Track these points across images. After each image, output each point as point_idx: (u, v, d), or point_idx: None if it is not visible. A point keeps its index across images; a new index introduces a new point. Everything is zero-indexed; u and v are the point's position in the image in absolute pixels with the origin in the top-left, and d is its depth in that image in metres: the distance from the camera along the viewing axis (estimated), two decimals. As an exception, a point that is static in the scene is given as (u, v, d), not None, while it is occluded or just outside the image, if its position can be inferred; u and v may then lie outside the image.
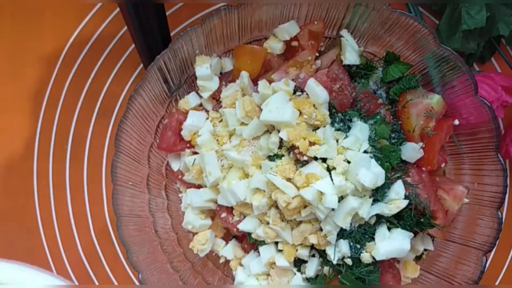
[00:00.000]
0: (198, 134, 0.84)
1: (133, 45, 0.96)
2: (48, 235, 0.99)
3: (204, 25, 0.80)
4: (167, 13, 0.92)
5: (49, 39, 1.01)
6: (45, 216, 0.99)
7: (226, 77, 0.87)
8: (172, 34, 0.94)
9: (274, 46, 0.86)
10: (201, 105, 0.88)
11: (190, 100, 0.87)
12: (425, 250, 0.86)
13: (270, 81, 0.80)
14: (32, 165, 1.00)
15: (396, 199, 0.77)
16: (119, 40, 1.01)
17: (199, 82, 0.84)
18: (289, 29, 0.84)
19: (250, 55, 0.83)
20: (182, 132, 0.85)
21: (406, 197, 0.78)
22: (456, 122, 0.84)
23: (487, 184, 0.82)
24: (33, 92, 1.00)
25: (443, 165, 0.85)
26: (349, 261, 0.79)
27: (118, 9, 0.99)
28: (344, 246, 0.79)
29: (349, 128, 0.80)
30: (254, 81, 0.84)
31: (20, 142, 1.00)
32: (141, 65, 0.98)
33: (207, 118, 0.86)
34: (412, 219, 0.79)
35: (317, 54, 0.85)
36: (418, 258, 0.87)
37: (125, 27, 0.99)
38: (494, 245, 0.80)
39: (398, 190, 0.78)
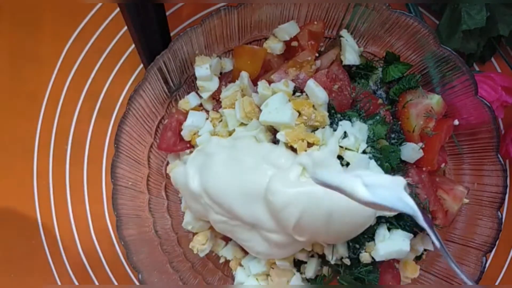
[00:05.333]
0: (198, 134, 0.84)
1: (133, 45, 0.96)
2: (48, 235, 0.99)
3: (203, 25, 0.80)
4: (167, 13, 0.92)
5: (49, 39, 1.01)
6: (45, 216, 0.99)
7: (226, 77, 0.87)
8: (172, 34, 0.94)
9: (274, 46, 0.85)
10: (201, 105, 0.88)
11: (190, 100, 0.86)
12: (425, 250, 0.86)
13: (270, 82, 0.80)
14: (32, 165, 1.00)
15: None
16: (119, 40, 1.01)
17: (198, 83, 0.84)
18: (289, 29, 0.84)
19: (250, 56, 0.83)
20: (182, 132, 0.85)
21: None
22: (456, 122, 0.83)
23: (487, 185, 0.81)
24: (33, 92, 1.00)
25: (443, 165, 0.85)
26: (347, 261, 0.79)
27: (118, 9, 0.99)
28: (341, 247, 0.79)
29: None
30: (254, 81, 0.84)
31: (20, 142, 1.00)
32: (141, 65, 0.98)
33: (207, 118, 0.86)
34: (412, 219, 0.78)
35: (317, 55, 0.85)
36: (418, 258, 0.86)
37: (125, 27, 0.99)
38: (494, 245, 0.80)
39: None
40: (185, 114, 0.85)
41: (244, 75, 0.83)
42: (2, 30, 1.01)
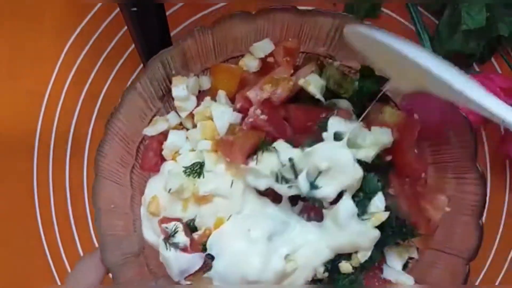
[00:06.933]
0: (178, 153, 0.83)
1: (133, 45, 0.96)
2: (48, 235, 1.00)
3: (178, 46, 0.79)
4: (167, 13, 0.92)
5: (49, 39, 1.01)
6: (45, 216, 1.00)
7: (204, 95, 0.86)
8: (172, 34, 0.94)
9: (250, 64, 0.84)
10: (181, 124, 0.87)
11: (170, 119, 0.85)
12: (410, 258, 0.84)
13: (246, 98, 0.80)
14: (32, 165, 1.00)
15: (377, 212, 0.76)
16: (119, 40, 1.01)
17: (176, 103, 0.83)
18: (263, 47, 0.83)
19: (226, 74, 0.83)
20: (163, 152, 0.83)
21: (387, 208, 0.77)
22: (416, 116, 0.81)
23: (468, 193, 0.80)
24: (33, 92, 1.00)
25: (423, 175, 0.83)
26: (321, 275, 0.78)
27: (118, 9, 0.99)
28: None
29: None
30: (232, 99, 0.83)
31: (19, 142, 1.00)
32: (141, 65, 0.98)
33: (187, 137, 0.84)
34: (393, 229, 0.78)
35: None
36: (404, 267, 0.84)
37: (125, 27, 0.99)
38: (477, 253, 0.78)
39: (378, 204, 0.76)
40: (165, 134, 0.84)
41: (222, 94, 0.82)
42: (2, 30, 1.01)
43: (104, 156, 0.80)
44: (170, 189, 0.79)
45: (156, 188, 0.83)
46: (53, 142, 1.00)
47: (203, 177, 0.79)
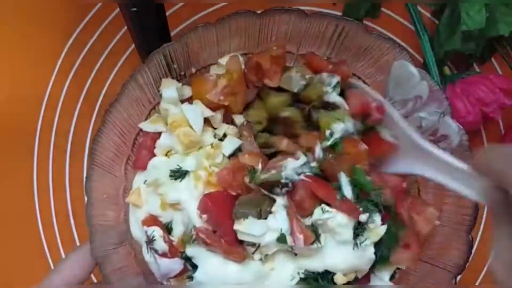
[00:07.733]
0: (171, 152, 0.82)
1: (133, 45, 0.96)
2: (48, 235, 1.00)
3: (181, 41, 0.79)
4: (167, 13, 0.92)
5: (49, 39, 1.01)
6: (45, 216, 1.00)
7: None
8: (172, 34, 0.94)
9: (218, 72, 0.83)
10: None
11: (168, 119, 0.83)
12: (397, 268, 0.83)
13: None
14: (32, 165, 1.00)
15: (374, 228, 0.75)
16: (119, 40, 1.01)
17: (163, 105, 0.82)
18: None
19: (205, 85, 0.81)
20: (155, 151, 0.83)
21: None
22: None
23: (461, 207, 0.80)
24: (33, 92, 1.00)
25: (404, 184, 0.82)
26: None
27: (118, 9, 0.99)
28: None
29: None
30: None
31: (20, 142, 1.00)
32: (141, 65, 0.98)
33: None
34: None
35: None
36: (391, 278, 0.84)
37: (125, 27, 0.99)
38: (464, 267, 0.78)
39: (375, 219, 0.76)
40: (160, 132, 0.83)
41: (197, 102, 0.81)
42: (2, 30, 1.01)
43: (100, 146, 0.80)
44: (145, 181, 0.80)
45: (141, 180, 0.83)
46: (53, 142, 1.00)
47: (180, 181, 0.78)
